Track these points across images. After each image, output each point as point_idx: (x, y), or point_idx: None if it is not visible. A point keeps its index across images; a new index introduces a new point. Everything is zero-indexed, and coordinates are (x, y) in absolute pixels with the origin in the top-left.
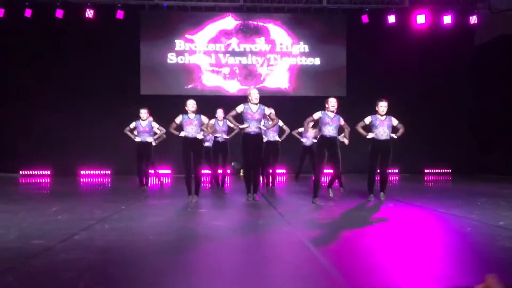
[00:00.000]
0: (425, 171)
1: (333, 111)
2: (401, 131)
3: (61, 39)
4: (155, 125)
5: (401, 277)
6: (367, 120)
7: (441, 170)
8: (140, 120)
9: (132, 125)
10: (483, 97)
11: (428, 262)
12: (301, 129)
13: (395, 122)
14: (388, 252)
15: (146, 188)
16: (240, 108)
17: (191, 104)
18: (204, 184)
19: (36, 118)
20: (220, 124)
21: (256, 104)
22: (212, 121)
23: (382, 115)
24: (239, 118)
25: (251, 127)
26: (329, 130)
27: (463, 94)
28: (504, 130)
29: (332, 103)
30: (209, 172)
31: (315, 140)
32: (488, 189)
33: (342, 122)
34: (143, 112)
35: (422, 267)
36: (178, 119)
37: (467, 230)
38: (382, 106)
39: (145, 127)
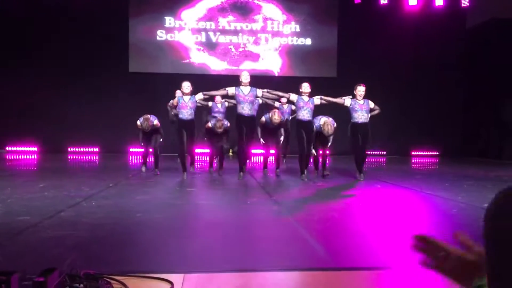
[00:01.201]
0: (413, 153)
1: (307, 95)
2: (376, 111)
3: (48, 15)
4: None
5: (387, 256)
6: (347, 102)
7: (429, 153)
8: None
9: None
10: (473, 80)
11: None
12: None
13: (371, 105)
14: (374, 232)
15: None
16: (231, 90)
17: (185, 87)
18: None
19: (24, 95)
20: (219, 106)
21: (247, 86)
22: (200, 95)
23: (360, 100)
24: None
25: (245, 109)
26: (304, 114)
27: (454, 77)
28: (493, 113)
29: (305, 87)
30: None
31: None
32: (475, 172)
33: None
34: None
35: (408, 247)
36: (176, 101)
37: (453, 212)
38: (361, 90)
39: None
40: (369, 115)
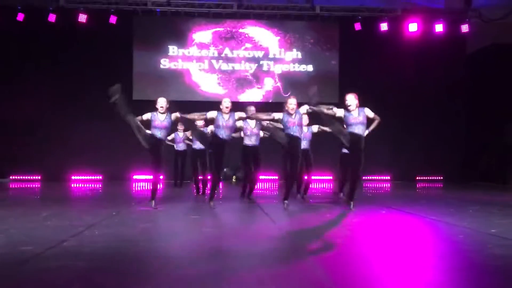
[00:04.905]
0: (417, 178)
1: (293, 112)
2: (376, 122)
3: (53, 43)
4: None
5: (392, 284)
6: (340, 112)
7: (433, 178)
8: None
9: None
10: (474, 105)
11: (419, 269)
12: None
13: (370, 113)
14: (379, 259)
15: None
16: (278, 115)
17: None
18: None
19: (27, 123)
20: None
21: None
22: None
23: (352, 110)
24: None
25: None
26: (292, 131)
27: (455, 102)
28: (496, 138)
29: (291, 103)
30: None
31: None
32: (480, 197)
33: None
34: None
35: (413, 274)
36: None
37: (459, 238)
38: (349, 99)
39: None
40: (368, 129)
